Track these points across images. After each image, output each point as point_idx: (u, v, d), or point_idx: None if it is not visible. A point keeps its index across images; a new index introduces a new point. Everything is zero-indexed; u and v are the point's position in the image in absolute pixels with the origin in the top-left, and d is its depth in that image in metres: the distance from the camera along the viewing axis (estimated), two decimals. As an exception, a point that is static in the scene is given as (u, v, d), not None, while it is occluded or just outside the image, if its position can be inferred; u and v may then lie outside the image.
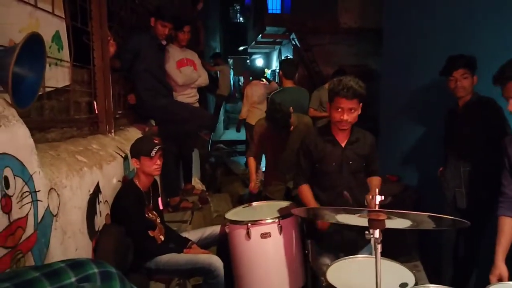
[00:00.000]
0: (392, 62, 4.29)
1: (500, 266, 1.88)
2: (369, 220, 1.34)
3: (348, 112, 2.17)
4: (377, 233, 1.32)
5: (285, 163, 3.06)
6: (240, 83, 18.13)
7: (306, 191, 2.38)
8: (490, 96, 2.63)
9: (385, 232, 1.40)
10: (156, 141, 2.41)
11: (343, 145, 2.30)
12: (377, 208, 1.36)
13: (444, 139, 2.89)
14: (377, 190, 1.39)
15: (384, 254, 1.41)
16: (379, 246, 1.32)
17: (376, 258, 1.33)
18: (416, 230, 3.47)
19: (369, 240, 1.41)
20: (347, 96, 2.12)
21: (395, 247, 2.21)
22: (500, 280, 1.88)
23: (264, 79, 7.36)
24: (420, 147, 3.71)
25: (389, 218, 1.36)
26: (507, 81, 1.88)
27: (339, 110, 2.17)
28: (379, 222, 1.32)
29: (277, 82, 12.44)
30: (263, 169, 3.29)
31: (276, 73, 13.18)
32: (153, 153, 2.34)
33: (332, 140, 2.30)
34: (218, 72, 7.68)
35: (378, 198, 1.37)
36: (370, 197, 1.38)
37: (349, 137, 2.30)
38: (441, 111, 2.97)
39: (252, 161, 3.22)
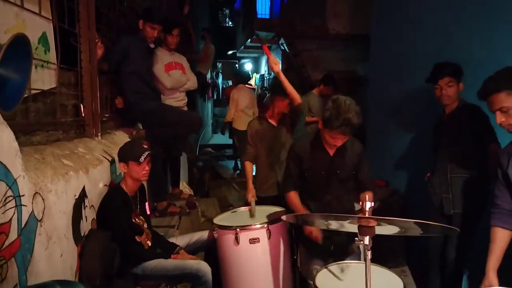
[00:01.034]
0: (379, 68, 4.34)
1: (490, 276, 1.87)
2: (359, 227, 1.35)
3: (342, 140, 2.19)
4: (367, 240, 1.32)
5: (276, 156, 3.10)
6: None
7: (294, 197, 2.38)
8: (476, 103, 2.67)
9: (373, 238, 1.40)
10: (145, 146, 2.38)
11: (331, 154, 2.30)
12: (367, 215, 1.36)
13: (432, 145, 2.92)
14: (367, 196, 1.39)
15: (372, 259, 1.41)
16: (369, 253, 1.32)
17: (366, 264, 1.33)
18: (403, 236, 3.49)
19: (358, 246, 1.41)
20: (345, 132, 2.10)
21: (383, 252, 2.22)
22: None
23: (251, 84, 7.34)
24: (408, 153, 3.74)
25: (378, 224, 1.36)
26: (489, 96, 1.91)
27: (334, 138, 2.17)
28: (369, 228, 1.32)
29: (264, 87, 12.49)
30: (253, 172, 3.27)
31: (265, 78, 13.24)
32: (142, 158, 2.31)
33: (321, 149, 2.31)
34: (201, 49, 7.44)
35: (368, 205, 1.37)
36: (361, 203, 1.38)
37: (338, 147, 2.30)
38: (429, 116, 3.00)
39: (249, 166, 3.19)
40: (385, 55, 4.19)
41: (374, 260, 1.70)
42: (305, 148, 2.35)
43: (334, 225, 1.66)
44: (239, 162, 7.00)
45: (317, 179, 2.31)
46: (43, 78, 2.10)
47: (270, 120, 3.15)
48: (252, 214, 2.68)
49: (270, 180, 3.13)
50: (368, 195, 2.34)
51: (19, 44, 1.51)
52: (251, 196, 2.92)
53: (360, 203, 1.39)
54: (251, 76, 8.60)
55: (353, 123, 2.06)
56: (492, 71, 2.77)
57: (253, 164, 3.23)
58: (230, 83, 8.40)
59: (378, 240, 1.48)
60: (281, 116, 3.14)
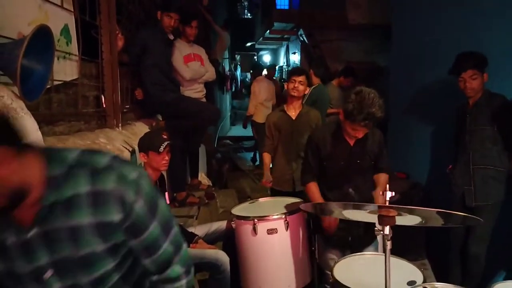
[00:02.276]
0: (401, 59, 4.25)
1: None
2: (379, 216, 1.33)
3: (363, 132, 2.16)
4: (387, 230, 1.31)
5: (294, 150, 3.08)
6: (247, 79, 18.11)
7: (313, 188, 2.37)
8: (501, 92, 2.60)
9: (393, 230, 1.39)
10: (165, 137, 2.41)
11: (351, 143, 2.28)
12: (387, 204, 1.34)
13: (454, 136, 2.85)
14: (387, 186, 1.38)
15: (392, 251, 1.39)
16: (388, 243, 1.31)
17: (385, 255, 1.32)
18: (424, 229, 3.44)
19: (376, 237, 1.40)
20: (367, 125, 2.07)
21: (403, 245, 2.19)
22: None
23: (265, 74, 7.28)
24: (429, 145, 3.67)
25: (399, 214, 1.34)
26: None
27: (355, 131, 2.14)
28: (389, 218, 1.31)
29: (283, 79, 12.43)
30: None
31: (284, 70, 13.17)
32: (161, 148, 2.34)
33: (341, 138, 2.28)
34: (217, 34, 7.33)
35: (389, 194, 1.36)
36: (380, 192, 1.36)
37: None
38: (451, 108, 2.94)
39: (267, 157, 3.18)
40: (406, 45, 4.11)
41: (394, 252, 1.69)
42: (324, 137, 2.33)
43: (352, 214, 1.65)
44: (257, 154, 7.01)
45: (336, 168, 2.29)
46: (65, 70, 2.15)
47: (288, 112, 3.12)
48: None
49: (286, 175, 3.11)
50: (382, 178, 2.34)
51: (42, 35, 1.54)
52: (265, 180, 2.95)
53: (379, 191, 1.37)
54: (263, 66, 8.48)
55: (376, 117, 2.03)
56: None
57: (271, 156, 3.23)
58: (249, 75, 8.40)
59: (398, 233, 1.46)
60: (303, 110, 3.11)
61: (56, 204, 0.93)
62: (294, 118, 3.10)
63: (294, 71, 3.14)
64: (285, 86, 3.19)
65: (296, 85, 3.02)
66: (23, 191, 0.87)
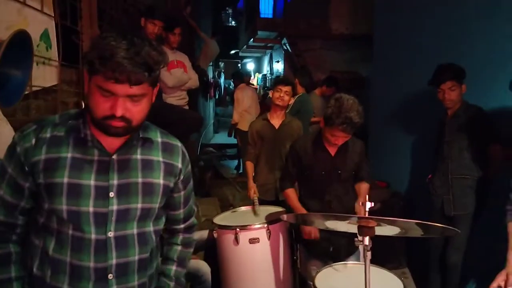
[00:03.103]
0: (381, 69, 4.33)
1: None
2: (359, 227, 1.34)
3: (343, 139, 2.18)
4: (367, 240, 1.32)
5: (277, 159, 3.07)
6: (230, 86, 18.13)
7: (292, 195, 2.38)
8: (479, 103, 2.67)
9: (373, 239, 1.40)
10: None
11: (332, 154, 2.30)
12: (367, 215, 1.35)
13: (434, 146, 2.91)
14: (367, 196, 1.39)
15: (372, 260, 1.40)
16: (368, 254, 1.32)
17: (365, 265, 1.32)
18: (404, 238, 3.48)
19: (357, 247, 1.40)
20: (345, 130, 2.09)
21: (383, 253, 2.21)
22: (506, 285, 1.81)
23: (252, 83, 7.31)
24: (410, 154, 3.73)
25: (378, 225, 1.35)
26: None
27: (334, 136, 2.16)
28: (369, 229, 1.32)
29: (266, 87, 12.47)
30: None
31: (268, 78, 13.24)
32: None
33: (322, 149, 2.30)
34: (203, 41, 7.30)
35: (368, 205, 1.37)
36: (360, 203, 1.37)
37: (339, 147, 2.29)
38: (431, 117, 2.99)
39: (250, 166, 3.14)
40: (387, 55, 4.18)
41: (374, 261, 1.70)
42: (306, 147, 2.34)
43: (333, 225, 1.65)
44: (241, 162, 7.00)
45: (317, 178, 2.30)
46: (44, 75, 2.10)
47: (271, 121, 3.11)
48: (255, 212, 2.67)
49: (268, 184, 3.09)
50: (363, 187, 2.36)
51: (21, 40, 1.51)
52: (253, 192, 2.91)
53: (359, 203, 1.38)
54: (242, 73, 8.46)
55: (354, 122, 2.05)
56: (494, 71, 2.78)
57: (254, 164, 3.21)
58: (232, 83, 8.36)
59: (378, 241, 1.47)
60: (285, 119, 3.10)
61: (137, 141, 1.20)
62: (276, 127, 3.09)
63: (281, 81, 3.13)
64: (270, 94, 3.18)
65: (281, 95, 3.01)
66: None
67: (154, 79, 1.10)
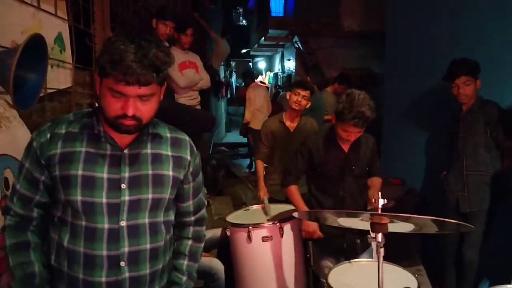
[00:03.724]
0: (395, 66, 4.29)
1: None
2: (372, 224, 1.33)
3: (355, 134, 2.16)
4: (379, 237, 1.31)
5: (287, 164, 3.05)
6: (242, 85, 18.12)
7: (296, 192, 2.38)
8: (494, 99, 2.63)
9: (388, 236, 1.39)
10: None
11: (346, 150, 2.28)
12: (379, 212, 1.35)
13: (448, 143, 2.87)
14: (379, 193, 1.38)
15: (386, 258, 1.40)
16: (381, 250, 1.31)
17: (378, 262, 1.32)
18: (419, 235, 3.45)
19: (370, 243, 1.40)
20: (357, 124, 2.08)
21: (397, 251, 2.19)
22: None
23: (264, 82, 7.31)
24: (424, 151, 3.69)
25: (391, 221, 1.34)
26: None
27: (347, 132, 2.14)
28: (382, 225, 1.31)
29: (278, 86, 12.44)
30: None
31: (279, 77, 13.21)
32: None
33: (335, 145, 2.29)
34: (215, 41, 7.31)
35: (381, 202, 1.36)
36: (373, 200, 1.37)
37: (352, 143, 2.28)
38: (445, 114, 2.96)
39: (260, 166, 3.14)
40: (400, 52, 4.14)
41: (389, 259, 1.69)
42: (318, 144, 2.33)
43: (346, 222, 1.65)
44: (254, 160, 7.01)
45: (330, 174, 2.29)
46: (58, 78, 2.14)
47: (286, 124, 3.08)
48: (266, 212, 2.68)
49: (279, 185, 3.10)
50: (376, 181, 2.35)
51: (36, 44, 1.54)
52: (263, 194, 2.91)
53: (372, 200, 1.37)
54: (253, 71, 8.45)
55: (366, 116, 2.04)
56: (509, 66, 2.73)
57: (265, 163, 3.20)
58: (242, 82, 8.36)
59: (393, 239, 1.46)
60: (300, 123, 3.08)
61: (147, 136, 1.25)
62: (292, 130, 3.07)
63: (301, 84, 3.05)
64: (287, 95, 3.13)
65: (299, 99, 2.96)
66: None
67: (161, 79, 1.16)
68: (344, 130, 2.14)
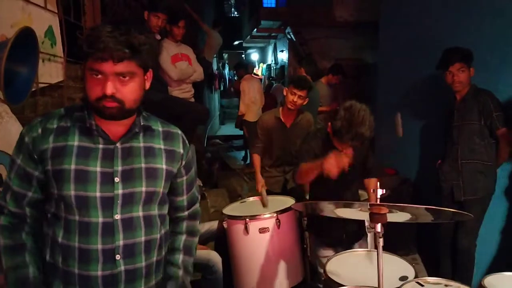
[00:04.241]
0: (388, 55, 4.28)
1: None
2: (371, 214, 1.33)
3: (351, 150, 2.09)
4: (378, 227, 1.31)
5: (286, 156, 3.05)
6: (235, 78, 18.06)
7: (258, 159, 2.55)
8: (487, 87, 2.64)
9: (385, 226, 1.39)
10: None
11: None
12: (378, 202, 1.35)
13: (443, 132, 2.88)
14: (378, 183, 1.38)
15: (383, 247, 1.40)
16: (380, 240, 1.31)
17: (378, 252, 1.32)
18: (414, 224, 3.48)
19: (364, 232, 1.40)
20: (355, 145, 2.02)
21: (394, 240, 2.20)
22: None
23: (257, 74, 7.28)
24: (418, 140, 3.71)
25: (389, 211, 1.35)
26: None
27: (343, 147, 2.06)
28: (381, 216, 1.31)
29: (271, 77, 12.40)
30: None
31: (272, 68, 13.17)
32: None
33: (332, 147, 2.24)
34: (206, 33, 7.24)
35: (380, 192, 1.36)
36: (372, 190, 1.37)
37: None
38: (438, 103, 2.97)
39: (257, 159, 3.10)
40: (394, 41, 4.14)
41: (385, 248, 1.69)
42: (319, 148, 2.23)
43: (344, 213, 1.65)
44: (249, 152, 7.00)
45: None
46: (50, 72, 2.11)
47: (283, 119, 3.05)
48: (264, 204, 2.67)
49: (276, 177, 3.10)
50: (372, 182, 2.34)
51: (26, 37, 1.51)
52: (261, 186, 2.90)
53: (371, 190, 1.37)
54: (246, 63, 8.40)
55: (364, 137, 1.96)
56: (502, 55, 2.74)
57: (263, 156, 3.18)
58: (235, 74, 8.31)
59: (388, 228, 1.46)
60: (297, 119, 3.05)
61: (139, 129, 1.25)
62: (288, 126, 3.04)
63: (297, 84, 2.94)
64: (284, 91, 3.08)
65: (295, 99, 2.90)
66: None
67: (142, 61, 1.16)
68: (341, 146, 2.07)
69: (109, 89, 1.12)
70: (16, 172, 1.20)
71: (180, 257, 1.39)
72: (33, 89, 1.79)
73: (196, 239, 1.47)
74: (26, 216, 1.22)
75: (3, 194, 1.22)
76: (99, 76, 1.12)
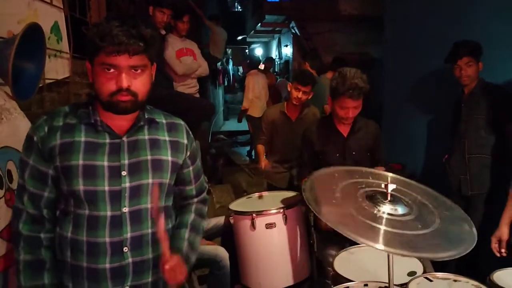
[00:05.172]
0: (395, 49, 4.25)
1: (502, 228, 2.09)
2: (379, 209, 1.33)
3: (353, 110, 2.15)
4: (388, 222, 1.31)
5: (292, 151, 3.05)
6: (239, 73, 18.02)
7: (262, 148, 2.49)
8: (496, 81, 2.61)
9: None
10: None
11: (345, 135, 2.28)
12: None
13: (450, 126, 2.86)
14: (389, 177, 1.37)
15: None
16: (390, 236, 1.31)
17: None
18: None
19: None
20: (353, 96, 2.08)
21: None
22: (499, 241, 2.11)
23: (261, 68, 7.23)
24: (425, 135, 3.68)
25: (398, 206, 1.34)
26: None
27: (344, 108, 2.14)
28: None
29: (275, 72, 12.38)
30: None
31: (276, 63, 13.13)
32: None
33: (335, 131, 2.27)
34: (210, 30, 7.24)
35: (391, 187, 1.35)
36: (383, 185, 1.36)
37: (351, 127, 2.27)
38: (446, 98, 2.94)
39: (261, 148, 3.13)
40: (400, 35, 4.10)
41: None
42: (318, 131, 2.32)
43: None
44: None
45: (331, 161, 2.28)
46: (56, 68, 2.11)
47: (288, 114, 3.05)
48: (261, 197, 2.66)
49: (282, 172, 3.10)
50: (380, 170, 2.33)
51: (33, 33, 1.51)
52: (264, 165, 2.90)
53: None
54: (260, 60, 8.42)
55: (360, 87, 2.06)
56: (510, 49, 2.71)
57: (267, 148, 3.19)
58: (241, 69, 8.31)
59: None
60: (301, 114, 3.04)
61: (144, 122, 1.26)
62: (293, 120, 3.05)
63: (301, 79, 2.95)
64: (289, 87, 3.08)
65: (299, 95, 2.91)
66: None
67: (151, 54, 1.18)
68: (341, 107, 2.14)
69: (125, 82, 1.13)
70: (29, 173, 1.20)
71: (186, 231, 1.39)
72: (40, 85, 1.79)
73: (204, 221, 1.49)
74: (44, 218, 1.22)
75: (19, 197, 1.22)
76: (112, 70, 1.12)
